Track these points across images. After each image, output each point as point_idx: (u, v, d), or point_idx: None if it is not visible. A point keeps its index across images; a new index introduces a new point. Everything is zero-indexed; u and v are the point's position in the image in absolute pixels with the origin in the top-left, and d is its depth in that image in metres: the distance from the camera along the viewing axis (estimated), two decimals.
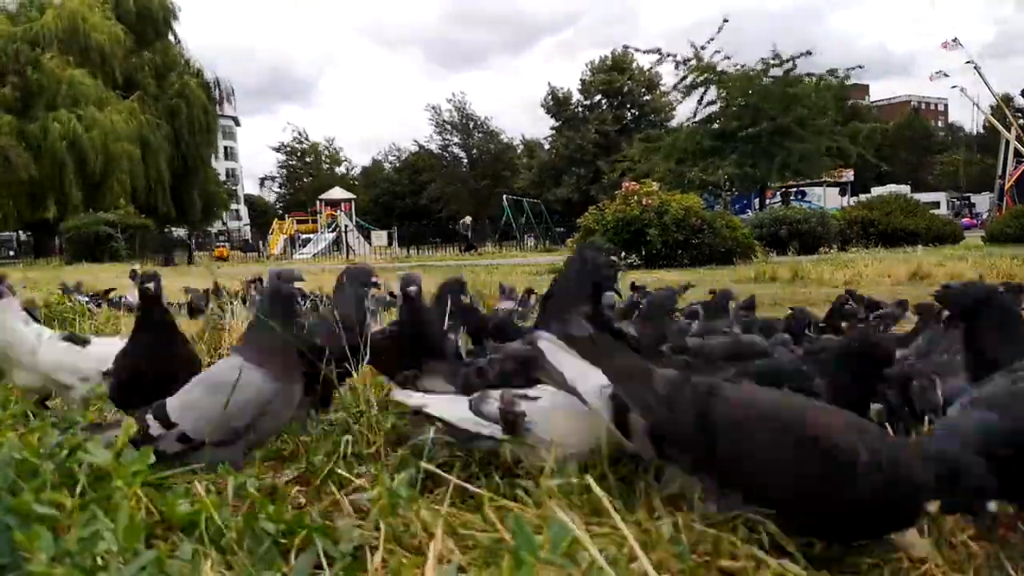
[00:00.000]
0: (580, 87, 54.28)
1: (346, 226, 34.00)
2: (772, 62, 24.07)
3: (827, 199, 35.95)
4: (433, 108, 55.32)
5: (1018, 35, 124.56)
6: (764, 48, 24.01)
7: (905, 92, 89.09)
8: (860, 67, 25.79)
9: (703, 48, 24.13)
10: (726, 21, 24.16)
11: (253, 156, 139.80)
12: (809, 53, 23.94)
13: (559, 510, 1.28)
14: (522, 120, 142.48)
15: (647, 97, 51.99)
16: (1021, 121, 33.90)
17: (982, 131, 56.73)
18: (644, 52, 25.99)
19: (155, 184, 34.82)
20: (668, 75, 48.48)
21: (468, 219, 37.75)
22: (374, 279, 2.50)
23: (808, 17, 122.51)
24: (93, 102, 32.45)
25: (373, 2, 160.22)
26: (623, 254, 14.88)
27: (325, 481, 1.74)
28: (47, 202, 31.28)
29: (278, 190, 70.69)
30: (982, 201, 46.67)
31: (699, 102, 25.29)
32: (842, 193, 42.65)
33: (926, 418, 1.88)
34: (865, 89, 68.33)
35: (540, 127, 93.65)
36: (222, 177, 54.93)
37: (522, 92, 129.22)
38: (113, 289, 7.24)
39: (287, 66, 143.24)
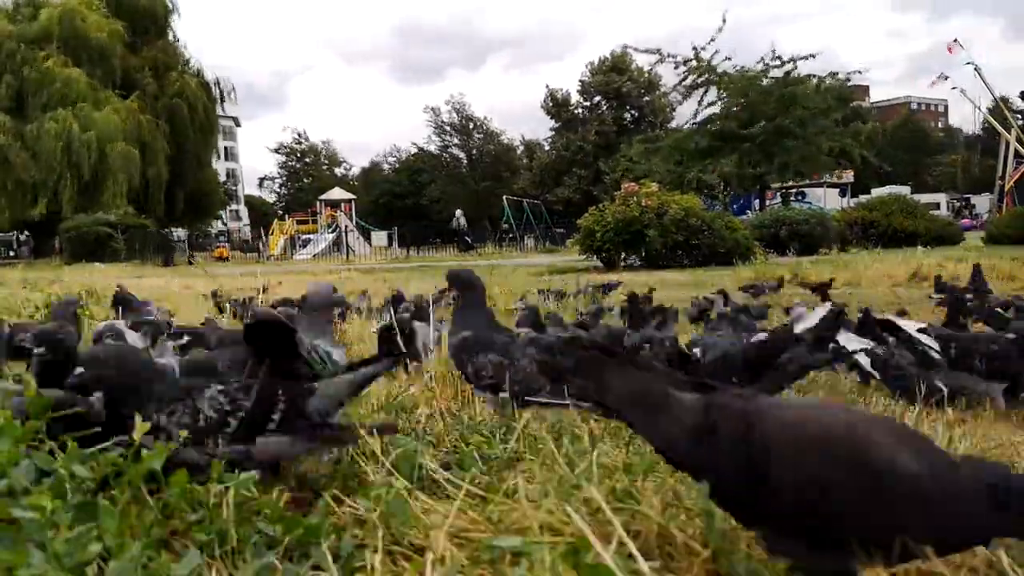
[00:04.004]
0: (579, 88, 54.36)
1: (346, 227, 33.98)
2: (771, 63, 24.09)
3: (827, 200, 35.92)
4: (432, 110, 55.34)
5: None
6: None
7: (903, 93, 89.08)
8: (860, 72, 25.82)
9: (702, 49, 24.16)
10: (724, 22, 24.17)
11: (251, 157, 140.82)
12: (811, 56, 23.97)
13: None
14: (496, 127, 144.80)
15: (646, 98, 51.99)
16: (1020, 122, 33.87)
17: (980, 132, 56.67)
18: (643, 51, 25.95)
19: (153, 184, 34.57)
20: (667, 76, 48.34)
21: (459, 213, 35.41)
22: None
23: (751, 32, 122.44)
24: (91, 101, 32.23)
25: (337, 18, 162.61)
26: (623, 255, 14.90)
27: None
28: (44, 202, 31.08)
29: (278, 190, 70.81)
30: (982, 202, 46.60)
31: (699, 103, 25.30)
32: (842, 194, 42.66)
33: None
34: (865, 90, 68.19)
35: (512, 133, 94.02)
36: (222, 177, 54.85)
37: (487, 102, 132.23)
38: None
39: (260, 76, 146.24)
